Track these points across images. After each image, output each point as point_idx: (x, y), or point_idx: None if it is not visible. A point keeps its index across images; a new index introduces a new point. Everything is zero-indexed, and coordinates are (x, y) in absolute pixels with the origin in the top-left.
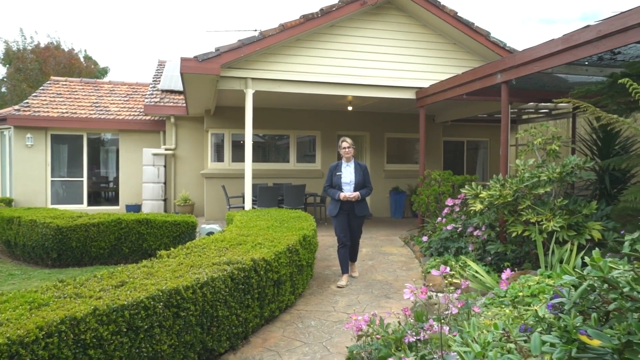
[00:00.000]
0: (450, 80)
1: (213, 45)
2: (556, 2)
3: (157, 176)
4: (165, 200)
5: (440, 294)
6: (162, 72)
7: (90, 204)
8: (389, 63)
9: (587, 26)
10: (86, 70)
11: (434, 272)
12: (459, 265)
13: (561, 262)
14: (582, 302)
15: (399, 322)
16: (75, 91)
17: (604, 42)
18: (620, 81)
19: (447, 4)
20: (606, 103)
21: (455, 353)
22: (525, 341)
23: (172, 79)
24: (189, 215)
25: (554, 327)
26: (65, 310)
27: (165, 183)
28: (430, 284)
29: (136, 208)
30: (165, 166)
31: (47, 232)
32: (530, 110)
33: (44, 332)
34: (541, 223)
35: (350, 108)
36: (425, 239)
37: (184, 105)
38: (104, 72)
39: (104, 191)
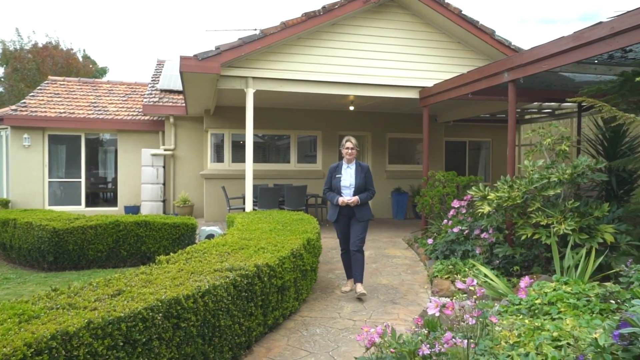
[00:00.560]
0: (455, 79)
1: (212, 45)
2: (556, 2)
3: (156, 177)
4: (164, 201)
5: (446, 298)
6: (161, 72)
7: (88, 205)
8: (392, 62)
9: (600, 23)
10: (84, 70)
11: (459, 284)
12: (467, 269)
13: (576, 267)
14: None
15: (413, 331)
16: (73, 91)
17: (617, 39)
18: (637, 79)
19: (451, 2)
20: (617, 102)
21: None
22: None
23: (172, 79)
24: (189, 217)
25: None
26: (57, 324)
27: (164, 184)
28: (438, 289)
29: (135, 209)
30: (164, 167)
31: (43, 235)
32: (534, 110)
33: (32, 350)
34: (552, 226)
35: (352, 108)
36: (430, 241)
37: (183, 105)
38: (102, 71)
39: (102, 192)
